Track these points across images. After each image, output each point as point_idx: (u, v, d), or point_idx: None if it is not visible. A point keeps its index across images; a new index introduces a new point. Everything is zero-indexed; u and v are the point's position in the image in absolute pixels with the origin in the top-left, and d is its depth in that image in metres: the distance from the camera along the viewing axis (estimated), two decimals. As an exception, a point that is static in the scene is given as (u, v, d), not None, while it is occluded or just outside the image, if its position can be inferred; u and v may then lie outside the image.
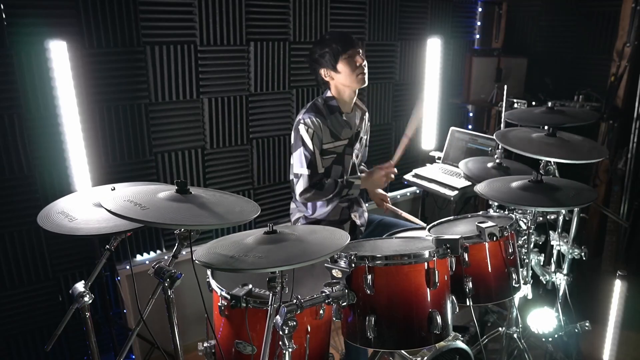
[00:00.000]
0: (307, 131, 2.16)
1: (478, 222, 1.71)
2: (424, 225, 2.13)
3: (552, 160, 2.06)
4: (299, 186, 2.19)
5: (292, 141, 2.24)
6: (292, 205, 2.44)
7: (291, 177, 2.27)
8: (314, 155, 2.16)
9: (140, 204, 1.30)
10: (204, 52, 2.56)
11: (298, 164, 2.19)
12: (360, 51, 2.19)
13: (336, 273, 1.53)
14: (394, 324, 1.50)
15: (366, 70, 2.19)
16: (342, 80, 2.20)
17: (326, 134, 2.21)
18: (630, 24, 3.05)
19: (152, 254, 2.64)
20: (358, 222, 2.38)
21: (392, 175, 2.33)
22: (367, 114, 2.46)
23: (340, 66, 2.15)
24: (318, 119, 2.18)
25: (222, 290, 1.53)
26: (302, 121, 2.18)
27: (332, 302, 1.48)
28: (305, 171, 2.16)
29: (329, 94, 2.27)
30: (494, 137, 2.09)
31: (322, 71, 2.20)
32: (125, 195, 1.37)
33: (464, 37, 3.81)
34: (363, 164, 2.61)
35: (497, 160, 2.31)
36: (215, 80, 2.64)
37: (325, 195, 2.20)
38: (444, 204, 3.49)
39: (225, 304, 1.51)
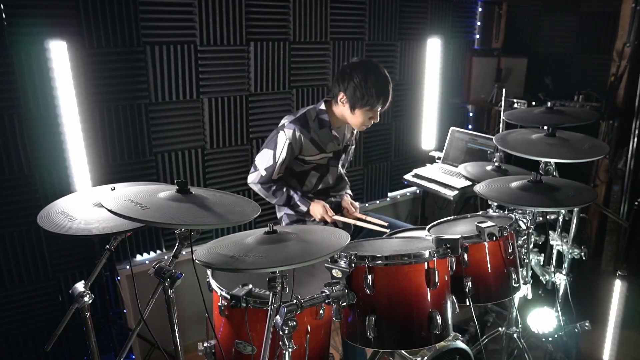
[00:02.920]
0: (285, 142, 2.19)
1: (478, 222, 1.70)
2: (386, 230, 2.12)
3: (553, 161, 2.06)
4: (252, 176, 2.28)
5: (268, 137, 2.27)
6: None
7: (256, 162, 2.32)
8: (275, 164, 2.22)
9: (140, 203, 1.30)
10: (204, 52, 2.56)
11: (261, 161, 2.25)
12: (385, 107, 2.18)
13: (336, 273, 1.53)
14: (394, 324, 1.50)
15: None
16: (348, 117, 2.21)
17: (308, 147, 2.23)
18: (630, 24, 3.05)
19: (152, 254, 2.64)
20: (340, 226, 2.37)
21: (329, 218, 2.24)
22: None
23: (358, 112, 2.15)
24: (302, 133, 2.19)
25: (222, 290, 1.53)
26: (285, 130, 2.20)
27: (332, 302, 1.47)
28: (262, 172, 2.24)
29: (322, 106, 2.27)
30: (493, 140, 2.09)
31: (342, 95, 2.17)
32: (126, 195, 1.37)
33: (464, 37, 3.81)
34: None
35: (497, 164, 2.31)
36: (215, 80, 2.64)
37: (270, 198, 2.28)
38: (444, 204, 3.49)
39: (225, 304, 1.51)
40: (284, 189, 2.26)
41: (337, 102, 2.21)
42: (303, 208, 2.26)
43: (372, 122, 2.20)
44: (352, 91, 2.12)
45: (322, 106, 2.27)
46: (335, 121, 2.29)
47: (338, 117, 2.27)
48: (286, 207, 2.32)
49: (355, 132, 2.46)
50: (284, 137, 2.20)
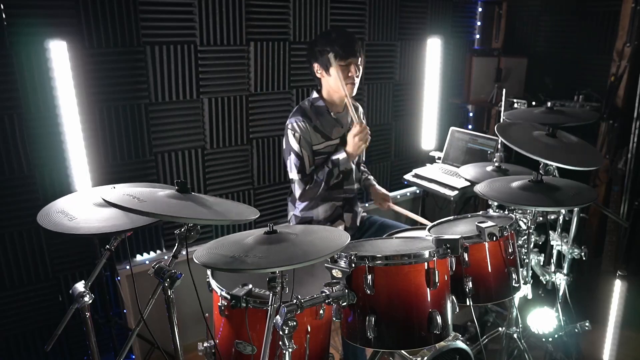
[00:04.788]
0: (294, 136, 2.19)
1: (478, 222, 1.70)
2: (429, 223, 2.11)
3: (550, 163, 2.05)
4: (296, 191, 2.24)
5: (284, 145, 2.26)
6: (288, 205, 2.46)
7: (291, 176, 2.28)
8: (302, 160, 2.20)
9: (139, 197, 1.31)
10: (204, 52, 2.56)
11: (291, 170, 2.23)
12: (360, 60, 2.18)
13: (336, 273, 1.53)
14: (394, 324, 1.50)
15: (357, 82, 2.18)
16: (331, 83, 2.20)
17: (315, 136, 2.22)
18: (630, 24, 3.04)
19: (152, 254, 2.64)
20: (348, 224, 2.37)
21: (368, 134, 2.17)
22: (360, 108, 2.43)
23: (333, 71, 2.14)
24: (304, 122, 2.19)
25: (222, 290, 1.53)
26: (289, 126, 2.20)
27: (332, 302, 1.47)
28: (296, 176, 2.22)
29: (315, 94, 2.28)
30: (495, 134, 2.07)
31: (316, 66, 2.21)
32: (126, 191, 1.38)
33: (464, 37, 3.81)
34: (363, 164, 2.60)
35: (497, 164, 2.31)
36: (215, 80, 2.64)
37: (319, 186, 2.19)
38: (444, 204, 3.49)
39: (225, 304, 1.51)
40: (323, 167, 2.20)
41: (320, 80, 2.22)
42: (340, 156, 2.17)
43: (354, 78, 2.15)
44: (322, 55, 2.14)
45: (315, 95, 2.28)
46: (332, 105, 2.27)
47: (332, 98, 2.25)
48: (327, 181, 2.19)
49: (360, 113, 2.40)
50: (291, 133, 2.20)
